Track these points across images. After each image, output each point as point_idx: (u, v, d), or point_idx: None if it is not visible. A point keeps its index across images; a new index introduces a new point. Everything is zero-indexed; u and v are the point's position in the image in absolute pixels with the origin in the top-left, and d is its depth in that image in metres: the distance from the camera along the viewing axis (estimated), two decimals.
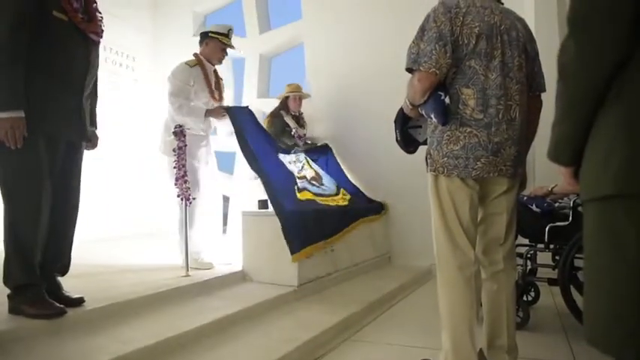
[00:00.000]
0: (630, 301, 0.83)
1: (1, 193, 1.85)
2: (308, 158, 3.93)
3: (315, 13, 4.68)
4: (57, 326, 1.85)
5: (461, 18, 1.56)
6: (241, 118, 3.19)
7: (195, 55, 3.25)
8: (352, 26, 4.39)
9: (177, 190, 2.85)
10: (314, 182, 3.73)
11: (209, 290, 2.64)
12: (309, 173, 3.80)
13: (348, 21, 4.42)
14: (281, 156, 3.58)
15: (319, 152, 4.18)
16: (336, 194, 3.83)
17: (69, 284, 2.10)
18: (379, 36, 4.21)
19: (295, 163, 3.76)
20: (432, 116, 1.60)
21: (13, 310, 1.85)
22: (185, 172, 2.87)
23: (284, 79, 4.50)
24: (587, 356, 1.95)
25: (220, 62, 3.31)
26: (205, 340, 1.99)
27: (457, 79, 1.60)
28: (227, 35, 3.23)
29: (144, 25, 5.25)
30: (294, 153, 3.80)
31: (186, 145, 2.92)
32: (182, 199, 2.87)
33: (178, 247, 3.00)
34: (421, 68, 1.55)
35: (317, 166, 3.98)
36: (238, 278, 2.94)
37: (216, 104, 3.23)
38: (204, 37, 3.25)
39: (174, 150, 2.89)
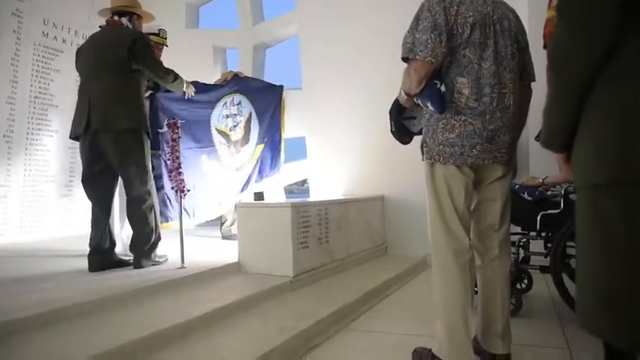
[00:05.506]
0: (621, 287, 0.85)
1: None
2: (253, 113, 4.01)
3: (309, 3, 4.65)
4: (52, 317, 1.85)
5: (455, 7, 1.57)
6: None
7: None
8: (347, 17, 4.38)
9: (172, 182, 2.87)
10: (232, 147, 3.85)
11: (204, 282, 2.64)
12: (235, 135, 3.86)
13: (343, 11, 4.41)
14: (219, 117, 3.65)
15: (269, 97, 4.19)
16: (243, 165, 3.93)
17: (65, 277, 2.09)
18: (374, 26, 4.20)
19: (234, 117, 3.82)
20: (429, 105, 1.61)
21: None
22: (179, 164, 2.88)
23: (278, 70, 4.51)
24: (581, 341, 1.98)
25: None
26: (201, 331, 1.99)
27: (452, 68, 1.60)
28: (158, 34, 3.51)
29: None
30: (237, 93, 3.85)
31: (180, 137, 2.95)
32: (177, 192, 2.87)
33: (122, 240, 3.08)
34: (417, 57, 1.55)
35: (253, 124, 4.05)
36: (234, 269, 2.95)
37: None
38: None
39: (167, 142, 2.91)
